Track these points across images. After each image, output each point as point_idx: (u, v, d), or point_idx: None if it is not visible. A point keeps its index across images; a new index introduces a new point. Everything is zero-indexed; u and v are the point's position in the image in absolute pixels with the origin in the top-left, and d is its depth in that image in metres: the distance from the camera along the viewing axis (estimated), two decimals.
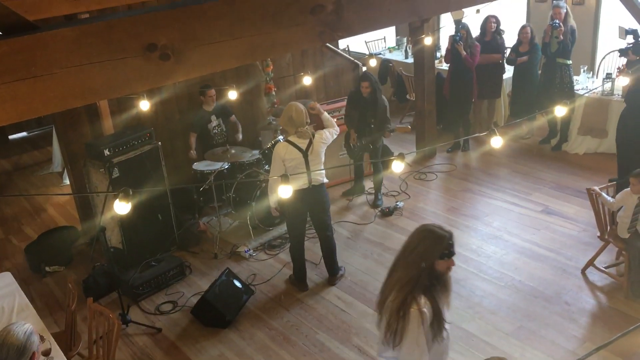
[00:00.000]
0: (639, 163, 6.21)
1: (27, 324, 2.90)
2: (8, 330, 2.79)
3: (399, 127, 6.56)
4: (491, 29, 7.65)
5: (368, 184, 7.11)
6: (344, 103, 7.00)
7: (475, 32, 7.71)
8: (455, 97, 7.81)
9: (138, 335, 5.02)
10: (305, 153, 5.00)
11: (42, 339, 3.01)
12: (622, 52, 6.22)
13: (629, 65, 6.26)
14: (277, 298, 5.35)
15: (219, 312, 4.98)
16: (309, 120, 5.07)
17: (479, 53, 7.49)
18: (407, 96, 9.19)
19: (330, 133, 5.20)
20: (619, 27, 6.43)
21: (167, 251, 6.08)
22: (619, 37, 6.30)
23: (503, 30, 7.81)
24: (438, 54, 9.12)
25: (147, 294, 5.49)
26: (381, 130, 6.51)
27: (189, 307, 5.27)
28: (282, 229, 6.39)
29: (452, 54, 7.62)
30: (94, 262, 5.98)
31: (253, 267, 5.83)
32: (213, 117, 6.88)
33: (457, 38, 7.37)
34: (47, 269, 6.03)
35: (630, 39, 6.16)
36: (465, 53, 7.37)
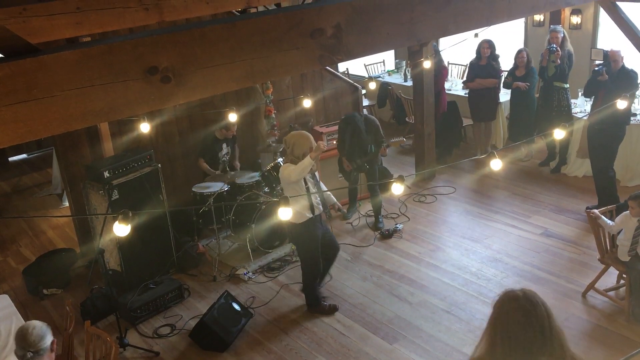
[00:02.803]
0: (607, 177, 6.31)
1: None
2: (28, 322, 3.27)
3: (392, 142, 6.77)
4: (485, 54, 7.75)
5: (367, 207, 7.11)
6: None
7: (469, 56, 7.87)
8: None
9: (136, 359, 4.97)
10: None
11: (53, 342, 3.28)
12: (595, 73, 6.28)
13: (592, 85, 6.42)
14: (276, 321, 5.32)
15: (218, 335, 4.94)
16: (286, 147, 5.09)
17: (445, 77, 8.10)
18: (407, 119, 9.25)
19: (289, 173, 4.93)
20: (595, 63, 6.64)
21: (165, 274, 6.05)
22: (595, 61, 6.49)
23: (498, 55, 7.91)
24: None
25: (145, 317, 5.45)
26: (378, 149, 6.61)
27: (187, 330, 5.22)
28: (282, 251, 6.38)
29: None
30: (92, 284, 5.94)
31: (252, 290, 5.79)
32: (224, 145, 6.94)
33: None
34: (44, 291, 5.99)
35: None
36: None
